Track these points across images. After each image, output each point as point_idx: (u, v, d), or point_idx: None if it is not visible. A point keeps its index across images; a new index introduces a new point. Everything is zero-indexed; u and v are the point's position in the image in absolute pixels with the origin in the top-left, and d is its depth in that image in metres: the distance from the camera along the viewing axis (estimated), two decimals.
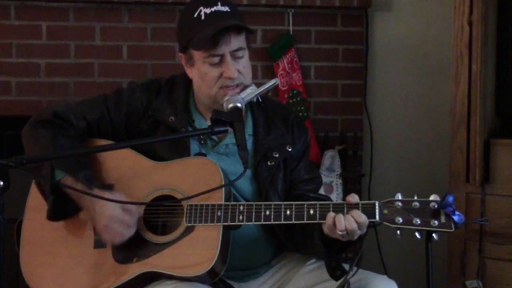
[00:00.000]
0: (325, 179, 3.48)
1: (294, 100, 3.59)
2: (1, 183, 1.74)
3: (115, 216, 2.06)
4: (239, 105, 2.07)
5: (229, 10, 2.17)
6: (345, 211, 1.98)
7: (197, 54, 2.18)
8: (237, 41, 2.16)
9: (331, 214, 1.97)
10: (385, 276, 2.15)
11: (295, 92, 3.60)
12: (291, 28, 3.63)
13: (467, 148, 2.97)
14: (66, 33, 3.51)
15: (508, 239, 2.92)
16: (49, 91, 3.49)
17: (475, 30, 2.93)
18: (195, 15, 2.16)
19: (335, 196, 3.49)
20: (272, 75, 3.56)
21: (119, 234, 2.08)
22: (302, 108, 3.60)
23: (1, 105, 3.48)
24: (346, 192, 3.56)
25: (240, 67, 2.18)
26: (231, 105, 2.07)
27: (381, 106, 3.80)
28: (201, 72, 2.19)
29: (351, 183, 3.67)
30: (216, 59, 2.16)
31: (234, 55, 2.17)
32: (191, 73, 2.25)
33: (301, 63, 3.65)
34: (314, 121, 3.63)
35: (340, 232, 1.94)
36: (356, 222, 1.94)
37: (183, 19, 2.24)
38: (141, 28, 3.56)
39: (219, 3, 2.16)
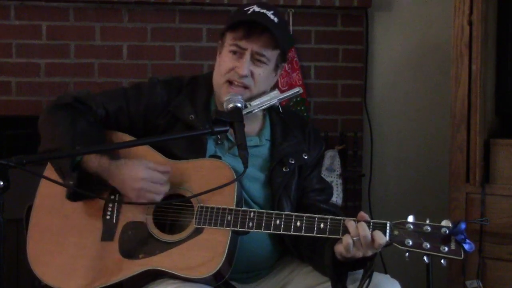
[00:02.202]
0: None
1: (294, 100, 3.58)
2: (1, 183, 1.74)
3: (148, 176, 2.07)
4: (239, 105, 2.09)
5: (276, 21, 2.19)
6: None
7: (228, 39, 2.22)
8: (263, 48, 2.18)
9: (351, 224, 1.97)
10: (388, 276, 2.16)
11: None
12: (291, 28, 3.62)
13: (467, 148, 2.97)
14: (66, 33, 3.51)
15: (508, 239, 2.91)
16: (49, 91, 3.49)
17: (475, 30, 2.93)
18: (246, 8, 2.22)
19: (335, 196, 3.49)
20: None
21: (156, 191, 2.09)
22: (302, 108, 3.60)
23: (1, 105, 3.48)
24: (346, 192, 3.56)
25: (256, 72, 2.20)
26: (231, 105, 2.09)
27: (381, 106, 3.80)
28: (221, 59, 2.23)
29: (351, 183, 3.67)
30: (238, 50, 2.19)
31: (255, 57, 2.19)
32: (217, 60, 2.28)
33: (301, 63, 3.65)
34: (314, 121, 3.63)
35: (354, 238, 1.94)
36: (374, 240, 1.94)
37: (235, 11, 2.30)
38: (141, 28, 3.56)
39: (272, 11, 2.21)
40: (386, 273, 2.94)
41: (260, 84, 2.22)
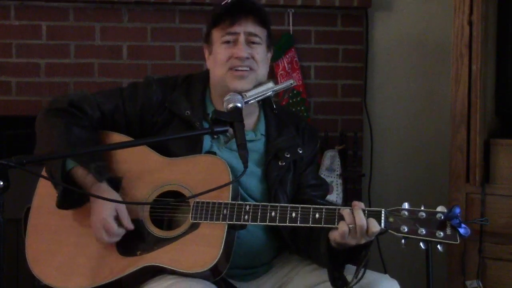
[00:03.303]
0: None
1: (294, 100, 3.59)
2: (1, 183, 1.74)
3: (105, 220, 2.09)
4: (239, 105, 2.09)
5: (254, 3, 2.23)
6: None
7: (216, 35, 2.23)
8: (254, 27, 2.21)
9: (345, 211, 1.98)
10: (387, 275, 2.16)
11: (295, 92, 3.60)
12: (291, 28, 3.63)
13: (467, 148, 2.97)
14: (66, 33, 3.51)
15: (508, 239, 2.92)
16: (49, 91, 3.49)
17: (475, 30, 2.93)
18: (223, 3, 2.24)
19: (335, 196, 3.49)
20: (272, 75, 3.57)
21: (100, 235, 2.11)
22: (302, 108, 3.61)
23: (1, 105, 3.48)
24: (346, 192, 3.56)
25: (254, 53, 2.21)
26: (231, 105, 2.09)
27: (381, 106, 3.80)
28: (216, 54, 2.24)
29: (351, 183, 3.67)
30: (230, 38, 2.20)
31: (249, 39, 2.21)
32: (209, 61, 2.29)
33: (301, 63, 3.65)
34: (314, 121, 3.63)
35: (350, 225, 1.95)
36: (368, 227, 1.95)
37: (212, 10, 2.30)
38: (141, 28, 3.56)
39: None
40: (385, 272, 2.94)
41: (262, 65, 2.24)
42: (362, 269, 2.00)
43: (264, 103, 2.32)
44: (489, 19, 3.02)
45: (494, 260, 2.97)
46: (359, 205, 1.99)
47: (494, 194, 2.94)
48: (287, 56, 3.60)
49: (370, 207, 3.72)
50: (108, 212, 2.09)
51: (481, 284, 2.93)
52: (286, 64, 3.60)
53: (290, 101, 3.58)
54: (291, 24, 3.63)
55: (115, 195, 2.12)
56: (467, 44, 2.95)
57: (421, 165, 3.78)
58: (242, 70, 2.19)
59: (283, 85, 2.27)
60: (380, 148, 3.80)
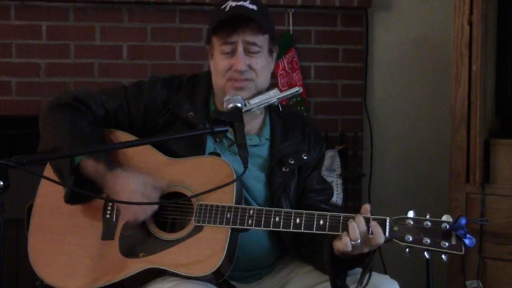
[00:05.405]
0: None
1: (294, 100, 3.58)
2: (1, 183, 1.73)
3: (138, 191, 2.05)
4: (239, 105, 2.08)
5: (255, 8, 2.19)
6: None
7: (215, 43, 2.21)
8: (253, 36, 2.17)
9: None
10: (387, 276, 2.15)
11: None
12: (291, 28, 3.63)
13: (467, 148, 2.97)
14: (66, 33, 3.51)
15: (508, 239, 2.91)
16: (49, 91, 3.49)
17: (475, 30, 2.93)
18: (222, 7, 2.20)
19: (335, 196, 3.49)
20: (273, 75, 3.56)
21: (142, 209, 2.07)
22: (302, 108, 3.60)
23: (1, 105, 3.48)
24: (346, 192, 3.56)
25: (253, 63, 2.18)
26: (231, 105, 2.08)
27: (381, 106, 3.80)
28: (216, 62, 2.22)
29: (351, 183, 3.67)
30: (229, 48, 2.18)
31: (248, 49, 2.18)
32: (211, 65, 2.27)
33: (301, 63, 3.65)
34: (314, 121, 3.63)
35: (353, 242, 1.94)
36: (374, 239, 1.94)
37: (212, 13, 2.27)
38: (141, 28, 3.56)
39: (248, 1, 2.19)
40: (385, 273, 2.94)
41: (262, 74, 2.21)
42: (367, 275, 1.98)
43: (270, 106, 2.30)
44: (489, 19, 3.02)
45: (494, 260, 2.96)
46: (366, 211, 1.97)
47: (494, 194, 2.94)
48: (287, 56, 3.60)
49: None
50: (135, 184, 2.06)
51: (481, 284, 2.93)
52: (286, 64, 3.60)
53: (290, 101, 3.58)
54: (291, 24, 3.63)
55: (135, 176, 2.09)
56: (467, 44, 2.95)
57: (421, 165, 3.78)
58: (239, 81, 2.18)
59: (288, 92, 2.23)
60: (380, 148, 3.80)
